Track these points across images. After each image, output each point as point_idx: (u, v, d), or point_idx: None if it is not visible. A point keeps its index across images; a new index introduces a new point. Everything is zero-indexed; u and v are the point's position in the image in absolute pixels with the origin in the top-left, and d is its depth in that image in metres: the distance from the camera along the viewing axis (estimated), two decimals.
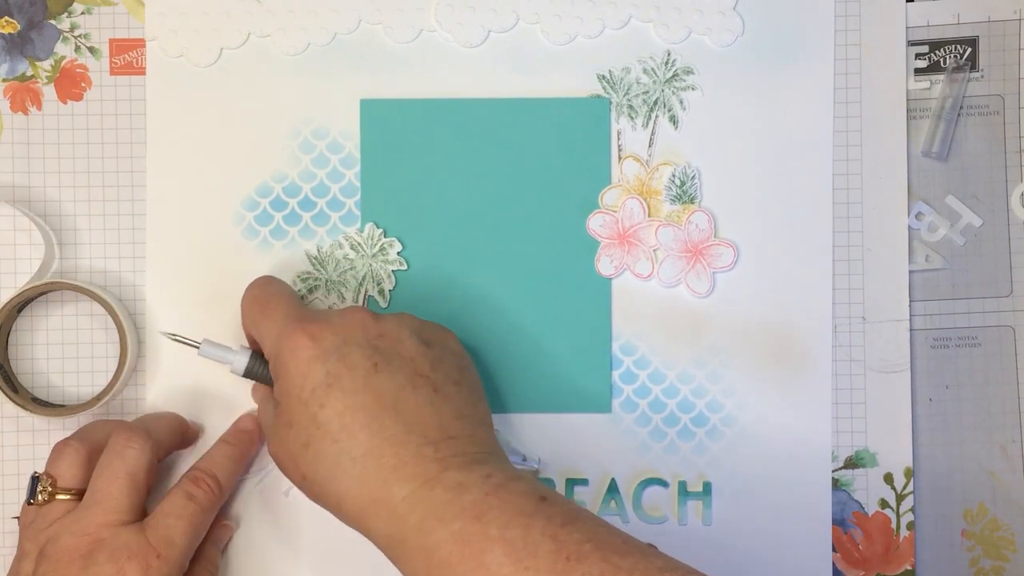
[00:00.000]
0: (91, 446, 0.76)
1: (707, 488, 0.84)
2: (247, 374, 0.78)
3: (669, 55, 0.84)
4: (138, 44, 0.84)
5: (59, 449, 0.76)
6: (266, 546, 0.83)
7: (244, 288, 0.78)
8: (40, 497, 0.75)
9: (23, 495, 0.82)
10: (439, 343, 0.75)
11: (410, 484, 0.67)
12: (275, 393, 0.73)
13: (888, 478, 0.84)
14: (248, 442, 0.81)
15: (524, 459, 0.82)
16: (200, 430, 0.83)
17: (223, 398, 0.83)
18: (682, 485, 0.84)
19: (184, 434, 0.82)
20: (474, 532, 0.65)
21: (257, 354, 0.78)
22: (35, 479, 0.75)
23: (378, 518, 0.68)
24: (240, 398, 0.83)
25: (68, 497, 0.74)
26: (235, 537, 0.83)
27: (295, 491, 0.76)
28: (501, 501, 0.66)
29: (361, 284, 0.83)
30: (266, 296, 0.76)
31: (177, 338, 0.79)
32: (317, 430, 0.69)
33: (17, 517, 0.82)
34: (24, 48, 0.83)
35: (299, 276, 0.83)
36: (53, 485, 0.75)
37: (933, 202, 0.85)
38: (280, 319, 0.73)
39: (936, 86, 0.85)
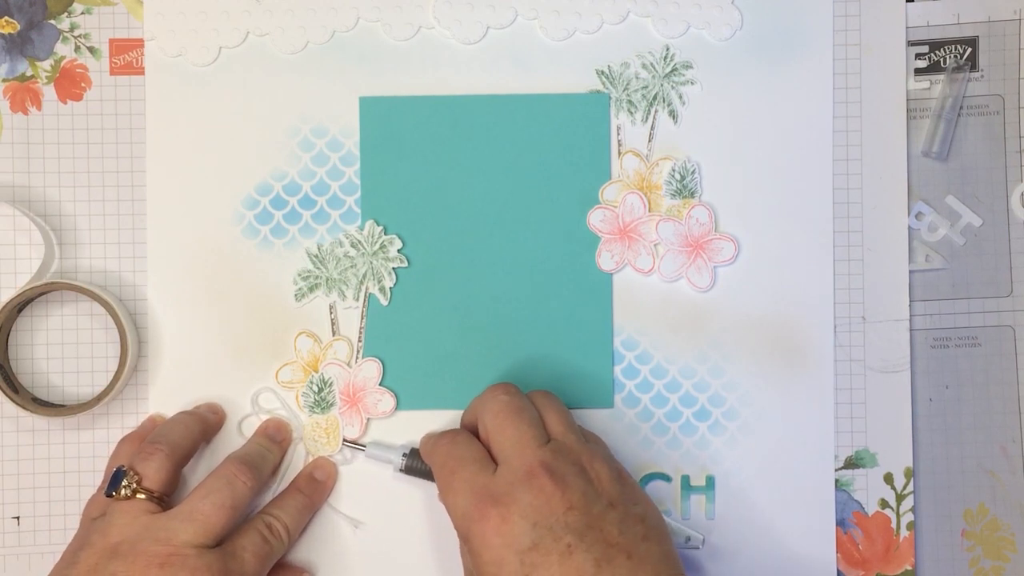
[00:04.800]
0: (179, 454, 0.77)
1: (710, 482, 0.84)
2: (407, 471, 0.82)
3: (668, 49, 0.84)
4: (138, 44, 0.84)
5: (149, 451, 0.76)
6: None
7: (241, 285, 0.78)
8: (124, 492, 0.75)
9: (23, 495, 0.82)
10: (622, 500, 0.72)
11: None
12: (471, 565, 0.72)
13: (888, 478, 0.84)
14: (320, 492, 0.82)
15: (688, 540, 0.81)
16: (289, 431, 0.84)
17: (222, 399, 0.83)
18: (685, 479, 0.84)
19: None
20: None
21: (416, 452, 0.82)
22: (121, 473, 0.75)
23: None
24: (240, 402, 0.83)
25: (145, 497, 0.75)
26: None
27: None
28: None
29: (362, 282, 0.83)
30: (453, 464, 0.74)
31: (347, 443, 0.83)
32: None
33: (16, 518, 0.82)
34: (24, 48, 0.83)
35: (300, 274, 0.83)
36: (138, 483, 0.75)
37: (933, 202, 0.85)
38: (466, 495, 0.72)
39: (936, 86, 0.85)
